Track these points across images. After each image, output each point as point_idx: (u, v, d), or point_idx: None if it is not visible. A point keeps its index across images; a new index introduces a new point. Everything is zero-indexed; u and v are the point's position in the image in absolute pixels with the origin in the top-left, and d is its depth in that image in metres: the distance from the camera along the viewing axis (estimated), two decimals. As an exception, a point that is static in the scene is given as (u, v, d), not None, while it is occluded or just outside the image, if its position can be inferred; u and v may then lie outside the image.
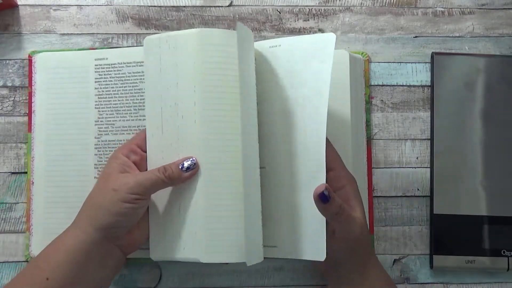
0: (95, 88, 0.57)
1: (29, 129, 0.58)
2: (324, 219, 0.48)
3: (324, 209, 0.47)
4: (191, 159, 0.49)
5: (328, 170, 0.48)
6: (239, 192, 0.49)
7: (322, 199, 0.46)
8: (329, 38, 0.49)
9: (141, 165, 0.51)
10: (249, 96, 0.48)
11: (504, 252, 0.57)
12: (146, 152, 0.52)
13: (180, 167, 0.49)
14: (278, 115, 0.51)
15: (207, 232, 0.48)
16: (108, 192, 0.47)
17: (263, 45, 0.53)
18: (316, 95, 0.49)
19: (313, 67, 0.50)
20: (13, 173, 0.58)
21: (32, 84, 0.58)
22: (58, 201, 0.56)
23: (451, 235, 0.57)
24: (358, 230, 0.48)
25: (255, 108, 0.50)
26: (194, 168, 0.49)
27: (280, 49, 0.52)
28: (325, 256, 0.47)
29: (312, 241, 0.49)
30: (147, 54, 0.52)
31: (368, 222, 0.57)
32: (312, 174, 0.49)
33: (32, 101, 0.58)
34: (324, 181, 0.47)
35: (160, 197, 0.51)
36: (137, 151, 0.51)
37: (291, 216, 0.50)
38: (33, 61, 0.59)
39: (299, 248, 0.50)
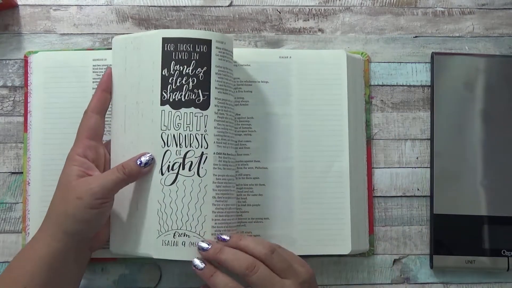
0: (93, 89, 0.57)
1: (25, 129, 0.58)
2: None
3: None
4: (148, 154, 0.49)
5: None
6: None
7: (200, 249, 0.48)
8: (340, 55, 0.56)
9: (98, 160, 0.51)
10: None
11: (504, 252, 0.57)
12: (98, 141, 0.51)
13: (138, 163, 0.49)
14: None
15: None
16: (73, 201, 0.47)
17: (272, 54, 0.57)
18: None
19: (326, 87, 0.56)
20: (13, 173, 0.58)
21: (28, 84, 0.58)
22: None
23: (451, 235, 0.57)
24: None
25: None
26: (151, 163, 0.49)
27: (291, 61, 0.57)
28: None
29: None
30: (114, 54, 0.53)
31: (368, 224, 0.57)
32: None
33: (28, 101, 0.58)
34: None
35: (121, 194, 0.51)
36: (91, 146, 0.50)
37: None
38: (29, 61, 0.58)
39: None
